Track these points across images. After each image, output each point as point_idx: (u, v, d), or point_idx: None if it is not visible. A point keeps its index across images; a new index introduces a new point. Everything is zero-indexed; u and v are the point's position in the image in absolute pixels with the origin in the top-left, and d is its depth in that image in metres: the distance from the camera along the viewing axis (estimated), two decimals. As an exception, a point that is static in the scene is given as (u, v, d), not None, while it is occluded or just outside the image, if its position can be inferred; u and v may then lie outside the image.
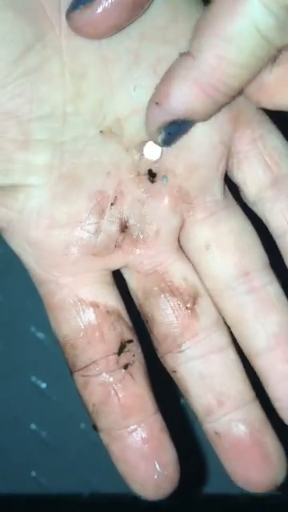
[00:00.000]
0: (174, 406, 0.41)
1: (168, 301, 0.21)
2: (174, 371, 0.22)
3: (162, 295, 0.21)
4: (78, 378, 0.22)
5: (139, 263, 0.22)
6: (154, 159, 0.21)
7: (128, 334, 0.22)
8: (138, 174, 0.21)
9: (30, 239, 0.22)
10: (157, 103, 0.19)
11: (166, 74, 0.19)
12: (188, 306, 0.21)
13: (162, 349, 0.22)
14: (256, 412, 0.21)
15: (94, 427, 0.22)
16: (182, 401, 0.41)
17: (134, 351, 0.22)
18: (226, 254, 0.22)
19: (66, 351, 0.22)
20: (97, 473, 0.42)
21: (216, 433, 0.21)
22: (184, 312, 0.21)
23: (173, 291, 0.21)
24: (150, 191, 0.21)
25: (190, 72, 0.18)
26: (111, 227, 0.21)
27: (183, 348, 0.21)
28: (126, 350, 0.21)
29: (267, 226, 0.23)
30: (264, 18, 0.17)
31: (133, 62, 0.20)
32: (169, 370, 0.22)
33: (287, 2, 0.17)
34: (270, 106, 0.21)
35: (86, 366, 0.22)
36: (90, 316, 0.21)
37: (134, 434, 0.21)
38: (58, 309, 0.22)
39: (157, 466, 0.21)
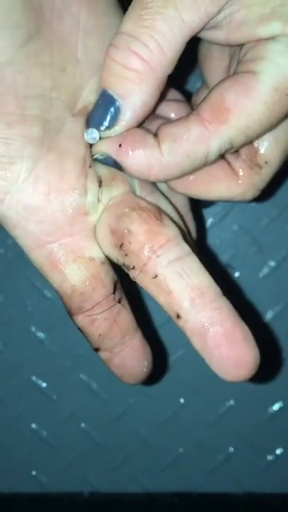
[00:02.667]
0: (174, 406, 0.41)
1: (140, 214, 0.25)
2: (155, 276, 0.24)
3: (135, 212, 0.25)
4: (84, 319, 0.26)
5: (111, 201, 0.26)
6: (91, 142, 0.25)
7: (115, 277, 0.26)
8: None
9: (29, 207, 0.24)
10: (120, 145, 0.24)
11: (137, 135, 0.24)
12: (157, 217, 0.25)
13: (140, 261, 0.25)
14: (228, 302, 0.25)
15: (96, 349, 0.27)
16: (182, 400, 0.41)
17: (120, 288, 0.27)
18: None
19: (74, 299, 0.26)
20: (97, 472, 0.42)
21: (203, 324, 0.24)
22: (155, 221, 0.25)
23: (142, 208, 0.25)
24: None
25: (152, 159, 0.24)
26: (93, 186, 0.25)
27: (160, 252, 0.24)
28: (117, 289, 0.26)
29: None
30: (214, 154, 0.24)
31: (97, 70, 0.25)
32: (148, 279, 0.25)
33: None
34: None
35: (92, 307, 0.26)
36: (91, 268, 0.25)
37: (130, 346, 0.27)
38: (62, 265, 0.25)
39: (145, 362, 0.27)
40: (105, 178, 0.26)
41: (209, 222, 0.39)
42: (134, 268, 0.25)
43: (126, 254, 0.25)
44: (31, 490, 0.42)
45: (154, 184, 0.28)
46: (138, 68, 0.23)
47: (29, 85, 0.23)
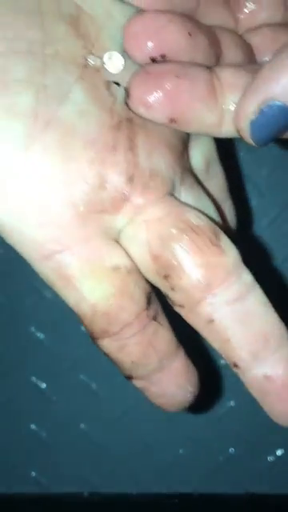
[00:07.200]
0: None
1: (193, 241, 0.19)
2: (211, 320, 0.19)
3: (186, 237, 0.19)
4: (111, 344, 0.20)
5: (150, 211, 0.19)
6: (114, 72, 0.19)
7: (147, 286, 0.20)
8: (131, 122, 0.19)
9: (25, 204, 0.19)
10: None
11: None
12: (213, 241, 0.19)
13: (191, 301, 0.19)
14: None
15: (129, 377, 0.21)
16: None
17: (155, 299, 0.21)
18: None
19: (97, 321, 0.20)
20: (97, 472, 0.42)
21: (266, 376, 0.20)
22: (212, 249, 0.19)
23: (194, 230, 0.19)
24: (148, 139, 0.20)
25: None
26: (117, 178, 0.19)
27: (217, 291, 0.19)
28: (151, 302, 0.20)
29: None
30: None
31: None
32: (202, 323, 0.20)
33: None
34: None
35: (120, 330, 0.20)
36: (115, 280, 0.19)
37: (170, 370, 0.21)
38: (77, 280, 0.19)
39: (189, 388, 0.22)
40: (139, 176, 0.19)
41: (209, 222, 0.39)
42: (182, 306, 0.20)
43: (173, 289, 0.19)
44: (31, 491, 0.42)
45: (193, 174, 0.22)
46: None
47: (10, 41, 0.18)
